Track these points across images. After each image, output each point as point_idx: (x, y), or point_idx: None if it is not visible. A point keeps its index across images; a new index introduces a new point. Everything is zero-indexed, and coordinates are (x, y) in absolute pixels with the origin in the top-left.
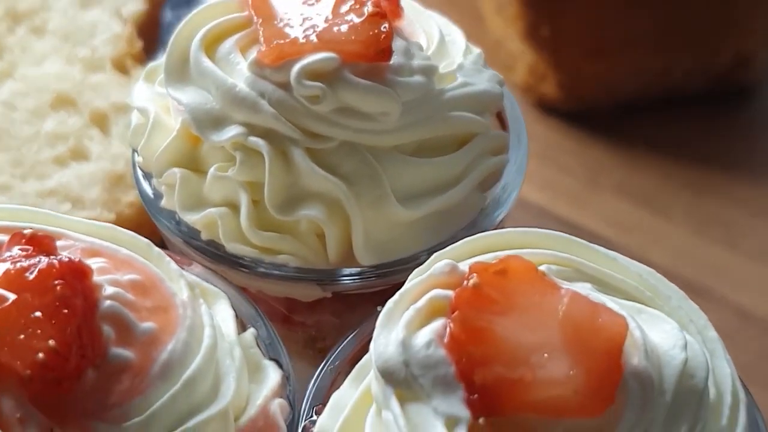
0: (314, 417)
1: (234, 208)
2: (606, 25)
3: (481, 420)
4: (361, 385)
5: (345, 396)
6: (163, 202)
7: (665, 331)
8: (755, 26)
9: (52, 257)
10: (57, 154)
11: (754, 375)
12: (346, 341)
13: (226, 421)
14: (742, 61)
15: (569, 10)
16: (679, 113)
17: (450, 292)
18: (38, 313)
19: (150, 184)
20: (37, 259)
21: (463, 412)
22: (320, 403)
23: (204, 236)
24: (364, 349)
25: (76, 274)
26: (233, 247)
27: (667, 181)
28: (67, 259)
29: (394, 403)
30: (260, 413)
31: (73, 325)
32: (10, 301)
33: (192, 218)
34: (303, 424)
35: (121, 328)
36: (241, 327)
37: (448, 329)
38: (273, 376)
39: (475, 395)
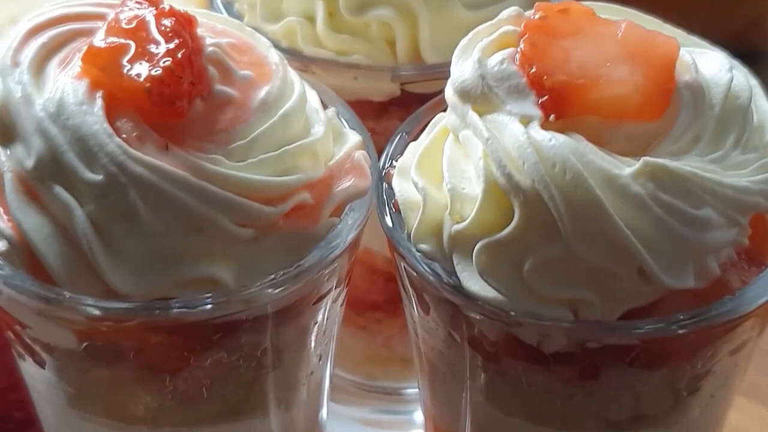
0: (394, 164)
1: (310, 18)
2: None
3: (551, 118)
4: (434, 129)
5: (421, 141)
6: (246, 20)
7: (712, 59)
8: None
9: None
10: None
11: None
12: (419, 111)
13: (316, 157)
14: (754, 25)
15: None
16: None
17: (518, 28)
18: (154, 44)
19: (233, 11)
20: (150, 8)
21: (536, 112)
22: (399, 154)
23: (284, 45)
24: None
25: (185, 19)
26: (311, 50)
27: None
28: (176, 8)
29: (473, 115)
30: (346, 157)
31: (184, 52)
32: (129, 35)
33: (273, 28)
34: (384, 171)
35: (223, 71)
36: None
37: (518, 50)
38: (354, 137)
39: (545, 97)
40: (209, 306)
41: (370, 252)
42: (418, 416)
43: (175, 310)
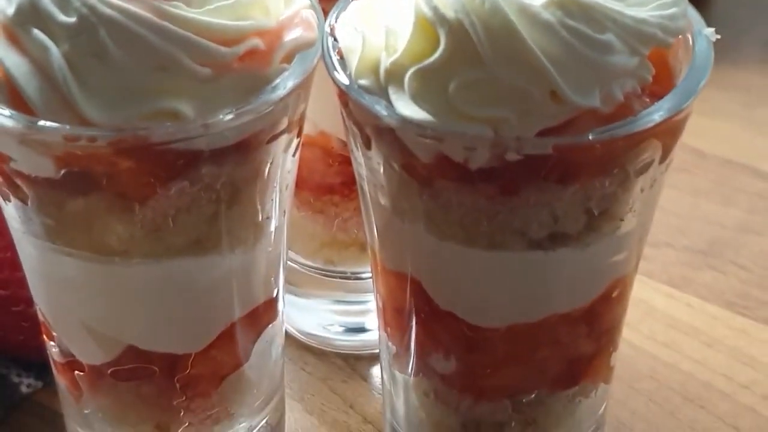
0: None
1: None
2: None
3: None
4: None
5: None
6: None
7: None
8: None
9: None
10: None
11: None
12: None
13: (267, 11)
14: None
15: None
16: None
17: None
18: None
19: None
20: None
21: None
22: (343, 12)
23: None
24: None
25: None
26: None
27: None
28: None
29: None
30: (295, 14)
31: None
32: None
33: None
34: (330, 26)
35: None
36: None
37: None
38: (303, 0)
39: None
40: (171, 128)
41: (325, 135)
42: (372, 304)
43: (140, 131)
